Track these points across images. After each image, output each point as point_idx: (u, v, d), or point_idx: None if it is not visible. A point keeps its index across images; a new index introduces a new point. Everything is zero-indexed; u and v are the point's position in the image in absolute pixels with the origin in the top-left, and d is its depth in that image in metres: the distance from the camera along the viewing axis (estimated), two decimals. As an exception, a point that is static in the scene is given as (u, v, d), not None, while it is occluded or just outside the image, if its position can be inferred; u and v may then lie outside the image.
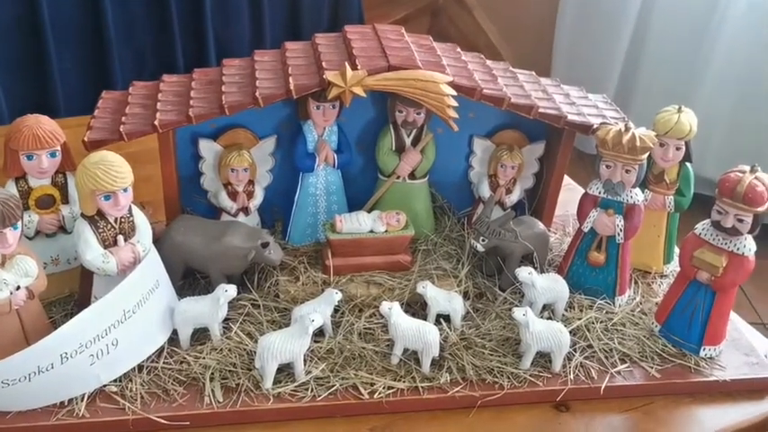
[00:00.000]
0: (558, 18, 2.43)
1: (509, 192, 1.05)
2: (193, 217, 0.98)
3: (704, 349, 0.93)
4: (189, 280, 0.97)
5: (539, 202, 1.08)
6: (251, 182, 0.99)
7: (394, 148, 1.02)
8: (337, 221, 0.96)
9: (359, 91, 0.89)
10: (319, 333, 0.89)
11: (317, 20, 2.21)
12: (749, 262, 0.88)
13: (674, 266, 1.06)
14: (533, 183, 1.08)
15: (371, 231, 0.97)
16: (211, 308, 0.86)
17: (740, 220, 0.86)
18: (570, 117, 0.96)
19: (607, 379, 0.88)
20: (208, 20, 1.96)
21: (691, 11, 2.12)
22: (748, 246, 0.88)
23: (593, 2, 2.34)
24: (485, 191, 1.05)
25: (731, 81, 2.06)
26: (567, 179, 1.17)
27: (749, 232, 0.87)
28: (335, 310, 0.92)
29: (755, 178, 0.85)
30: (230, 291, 0.87)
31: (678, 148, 0.99)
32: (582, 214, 0.97)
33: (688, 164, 1.01)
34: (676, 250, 1.03)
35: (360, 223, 0.97)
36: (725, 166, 0.91)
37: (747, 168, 0.86)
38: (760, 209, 0.85)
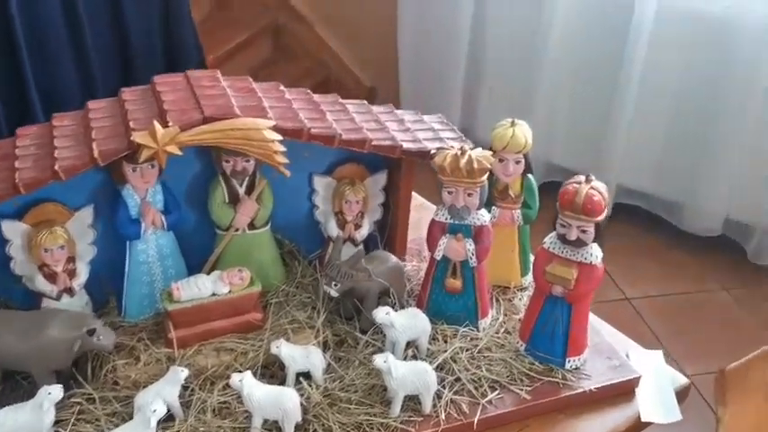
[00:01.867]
0: (399, 24, 2.43)
1: (358, 227, 1.00)
2: (3, 311, 0.85)
3: (569, 361, 0.91)
4: (10, 383, 0.84)
5: (390, 232, 1.03)
6: (71, 259, 0.88)
7: (227, 200, 0.93)
8: (174, 289, 0.87)
9: (173, 149, 0.80)
10: (169, 418, 0.80)
11: (150, 53, 2.07)
12: (598, 270, 0.87)
13: (531, 277, 1.04)
14: (382, 213, 1.03)
15: (214, 294, 0.89)
16: (34, 416, 0.74)
17: (584, 231, 0.84)
18: (406, 145, 0.91)
19: (479, 411, 0.85)
20: (27, 68, 1.79)
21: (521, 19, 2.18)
22: (595, 254, 0.86)
23: (429, 9, 2.36)
24: (332, 229, 0.99)
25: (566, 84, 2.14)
26: (419, 198, 1.13)
27: (593, 241, 0.86)
28: (184, 388, 0.83)
29: (591, 188, 0.83)
30: (54, 392, 0.75)
31: (518, 162, 0.97)
32: (431, 242, 0.93)
33: (530, 175, 0.99)
34: (532, 258, 1.01)
35: (199, 288, 0.88)
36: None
37: (583, 179, 0.84)
38: (600, 218, 0.84)
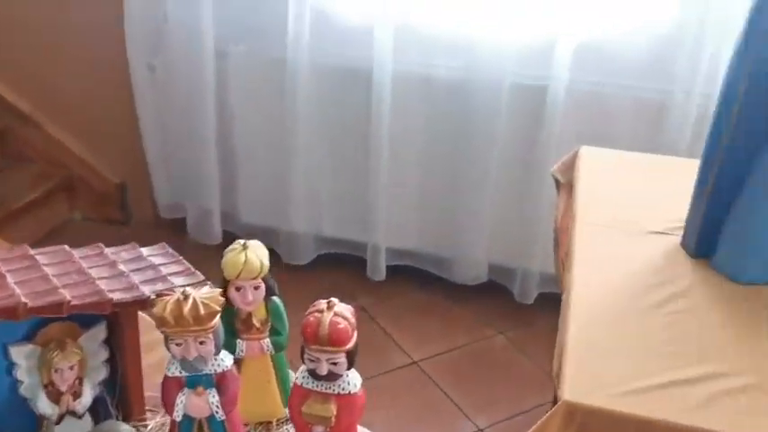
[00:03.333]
0: (140, 118, 2.25)
1: (77, 395, 0.81)
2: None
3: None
4: None
5: (121, 391, 0.86)
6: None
7: None
8: None
9: None
10: None
11: None
12: (359, 398, 0.77)
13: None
14: (108, 370, 0.85)
15: None
16: None
17: (335, 363, 0.74)
18: (117, 297, 0.76)
19: None
20: None
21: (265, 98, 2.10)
22: (353, 382, 0.77)
23: (168, 101, 2.21)
24: (44, 406, 0.80)
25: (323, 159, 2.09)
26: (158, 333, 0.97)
27: (348, 369, 0.76)
28: None
29: (335, 315, 0.74)
30: None
31: (257, 288, 0.85)
32: (167, 403, 0.77)
33: (275, 298, 0.88)
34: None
35: None
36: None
37: (324, 305, 0.74)
38: (349, 345, 0.74)
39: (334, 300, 0.74)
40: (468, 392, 1.86)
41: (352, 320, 0.74)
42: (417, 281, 2.22)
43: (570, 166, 1.44)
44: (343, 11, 1.96)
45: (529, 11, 1.81)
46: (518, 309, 2.10)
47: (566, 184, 1.44)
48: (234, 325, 0.85)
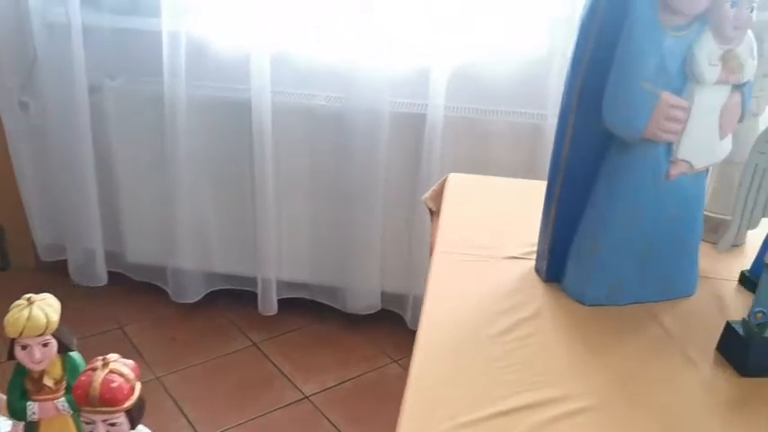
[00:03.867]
0: (14, 163, 2.15)
1: None
2: None
3: None
4: None
5: None
6: None
7: None
8: None
9: None
10: None
11: None
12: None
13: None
14: None
15: None
16: None
17: (113, 424, 0.68)
18: None
19: None
20: None
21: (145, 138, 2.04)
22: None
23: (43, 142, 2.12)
24: None
25: (208, 196, 2.04)
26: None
27: (131, 429, 0.71)
28: None
29: (110, 372, 0.68)
30: None
31: (45, 344, 0.79)
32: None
33: (72, 353, 0.81)
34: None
35: None
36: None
37: (100, 363, 0.69)
38: (127, 404, 0.69)
39: (113, 356, 0.69)
40: (360, 425, 1.82)
41: (132, 377, 0.69)
42: (311, 313, 2.18)
43: (440, 194, 1.44)
44: (219, 42, 1.93)
45: (403, 38, 1.82)
46: (411, 336, 2.06)
47: (437, 212, 1.44)
48: (24, 386, 0.79)
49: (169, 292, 2.15)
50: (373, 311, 2.10)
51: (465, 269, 1.13)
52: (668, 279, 1.04)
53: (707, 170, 1.03)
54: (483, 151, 1.87)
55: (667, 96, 0.91)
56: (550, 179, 1.05)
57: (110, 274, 2.23)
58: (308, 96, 1.94)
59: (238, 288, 2.18)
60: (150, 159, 2.05)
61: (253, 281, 2.12)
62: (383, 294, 2.10)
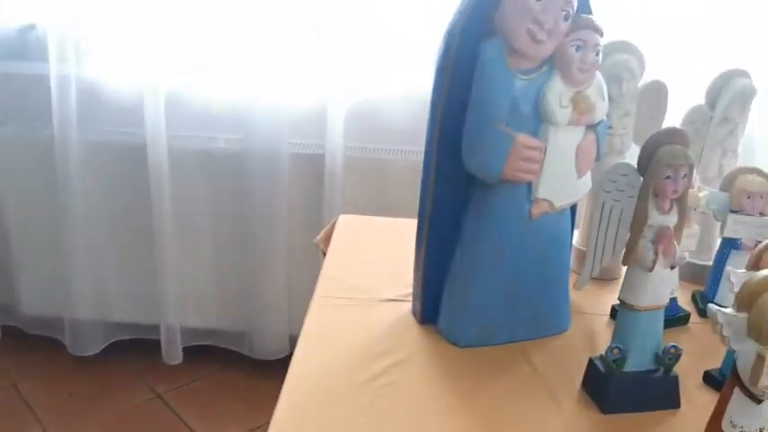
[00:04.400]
0: None
1: None
2: None
3: None
4: None
5: None
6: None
7: None
8: None
9: None
10: None
11: None
12: None
13: None
14: None
15: None
16: None
17: None
18: None
19: None
20: None
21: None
22: None
23: None
24: None
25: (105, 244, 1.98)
26: None
27: None
28: None
29: None
30: None
31: None
32: None
33: None
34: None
35: None
36: None
37: None
38: None
39: None
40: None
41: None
42: (218, 360, 2.13)
43: (330, 236, 1.43)
44: (111, 84, 1.89)
45: (299, 79, 1.82)
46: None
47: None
48: None
49: (66, 344, 2.06)
50: (282, 356, 2.06)
51: (341, 314, 1.12)
52: (540, 317, 1.05)
53: (571, 208, 1.05)
54: (384, 190, 1.87)
55: (522, 138, 0.93)
56: (419, 221, 1.06)
57: (2, 328, 2.13)
58: (207, 139, 1.92)
59: (141, 337, 2.11)
60: (43, 207, 1.98)
61: (155, 329, 2.06)
62: (291, 338, 2.06)
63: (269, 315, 2.02)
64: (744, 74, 1.16)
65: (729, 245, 1.10)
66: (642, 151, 0.83)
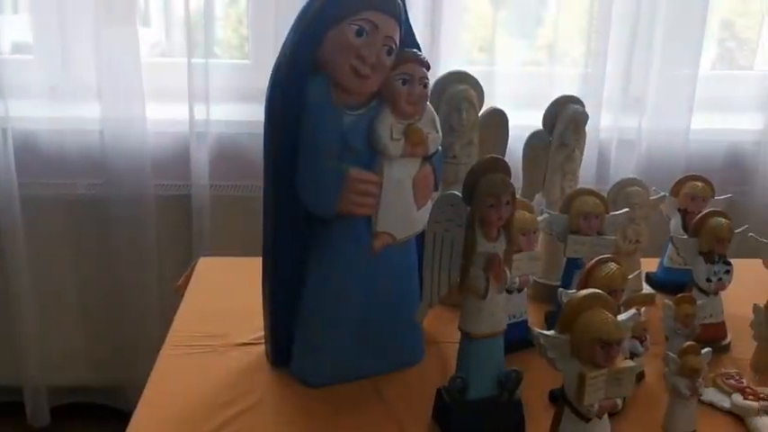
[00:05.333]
0: None
1: None
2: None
3: None
4: None
5: None
6: None
7: None
8: None
9: None
10: None
11: None
12: None
13: None
14: None
15: None
16: None
17: None
18: None
19: None
20: None
21: None
22: None
23: None
24: None
25: None
26: None
27: None
28: None
29: None
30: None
31: None
32: None
33: None
34: None
35: None
36: None
37: None
38: None
39: None
40: None
41: None
42: (91, 418, 2.02)
43: (190, 279, 1.39)
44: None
45: (158, 116, 1.79)
46: None
47: (188, 299, 1.39)
48: None
49: None
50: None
51: (192, 362, 1.08)
52: (390, 350, 1.05)
53: (417, 239, 1.06)
54: (254, 228, 1.84)
55: (355, 172, 0.94)
56: (263, 264, 1.04)
57: None
58: (66, 186, 1.84)
59: (3, 400, 1.98)
60: None
61: (18, 390, 1.94)
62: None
63: (144, 366, 1.93)
64: (576, 100, 1.22)
65: (573, 265, 1.14)
66: (465, 181, 0.85)
